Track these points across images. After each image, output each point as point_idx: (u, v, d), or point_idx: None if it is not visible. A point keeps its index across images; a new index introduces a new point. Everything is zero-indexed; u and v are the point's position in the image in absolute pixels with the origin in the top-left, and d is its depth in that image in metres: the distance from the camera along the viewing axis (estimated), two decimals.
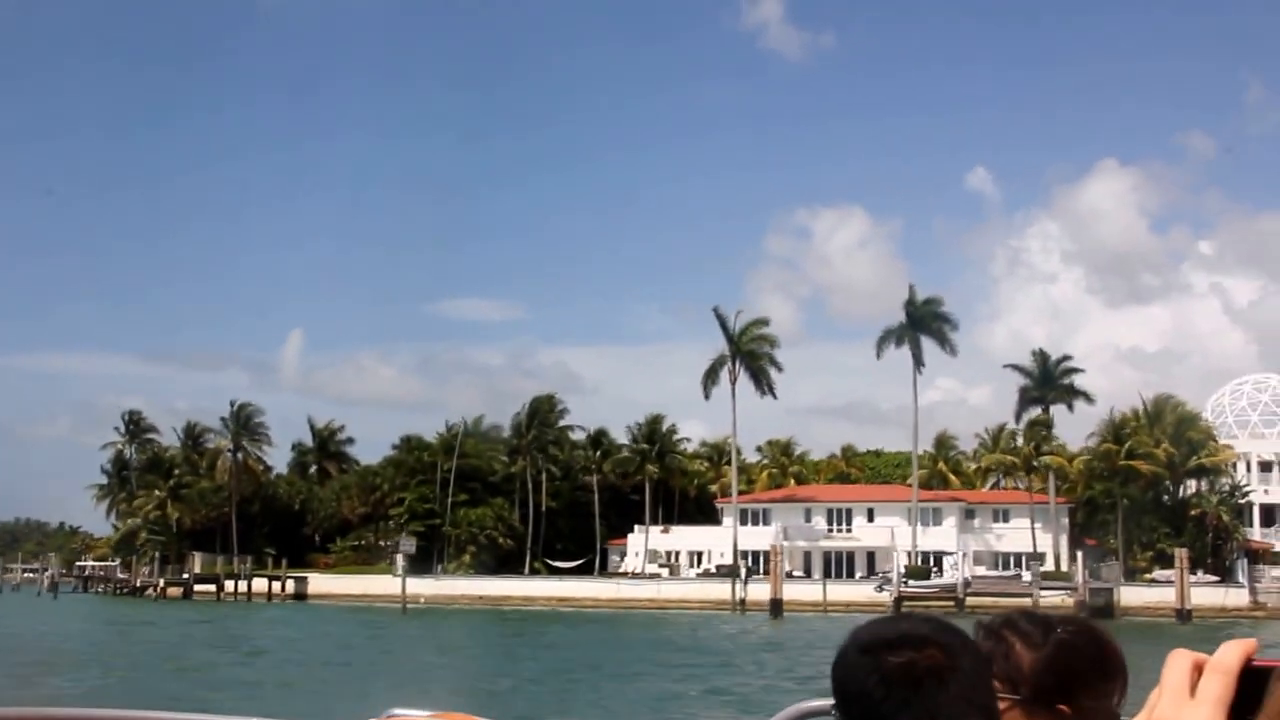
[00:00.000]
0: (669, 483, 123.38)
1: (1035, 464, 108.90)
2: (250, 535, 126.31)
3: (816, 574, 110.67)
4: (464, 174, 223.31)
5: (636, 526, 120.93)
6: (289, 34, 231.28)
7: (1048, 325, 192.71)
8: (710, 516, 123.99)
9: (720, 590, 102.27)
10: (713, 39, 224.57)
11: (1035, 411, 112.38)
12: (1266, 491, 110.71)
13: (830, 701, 2.25)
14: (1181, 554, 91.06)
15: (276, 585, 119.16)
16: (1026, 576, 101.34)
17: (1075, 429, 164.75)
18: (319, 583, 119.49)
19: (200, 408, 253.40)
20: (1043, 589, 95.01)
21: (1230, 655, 1.85)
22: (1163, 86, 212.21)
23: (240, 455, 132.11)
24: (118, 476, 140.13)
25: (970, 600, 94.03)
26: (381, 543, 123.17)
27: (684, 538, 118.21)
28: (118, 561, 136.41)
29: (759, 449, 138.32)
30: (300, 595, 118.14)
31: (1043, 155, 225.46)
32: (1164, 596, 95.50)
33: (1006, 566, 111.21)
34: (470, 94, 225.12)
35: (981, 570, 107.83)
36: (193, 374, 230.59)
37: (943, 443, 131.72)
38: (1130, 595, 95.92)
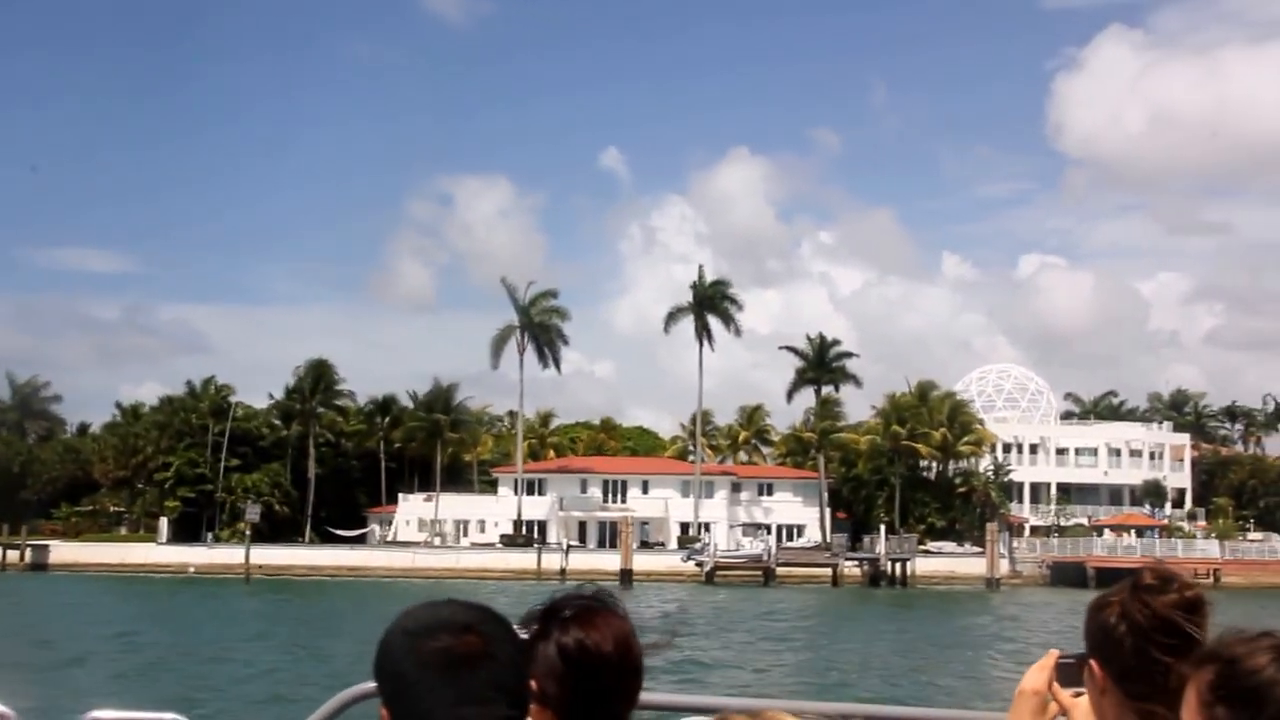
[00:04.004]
0: (425, 453, 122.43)
1: (826, 441, 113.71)
2: None
3: (592, 544, 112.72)
4: (96, 128, 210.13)
5: (401, 495, 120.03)
6: None
7: (674, 304, 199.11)
8: (466, 486, 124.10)
9: (522, 560, 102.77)
10: None
11: (807, 392, 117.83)
12: (1013, 471, 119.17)
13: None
14: (992, 528, 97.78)
15: (14, 555, 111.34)
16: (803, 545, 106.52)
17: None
18: (63, 551, 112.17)
19: None
20: (847, 559, 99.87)
21: (1031, 678, 2.60)
22: (796, 82, 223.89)
23: None
24: None
25: (781, 570, 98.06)
26: (114, 510, 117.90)
27: (454, 507, 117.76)
28: None
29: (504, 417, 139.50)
30: (39, 565, 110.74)
31: (679, 140, 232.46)
32: (940, 567, 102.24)
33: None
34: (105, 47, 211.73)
35: (747, 542, 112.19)
36: None
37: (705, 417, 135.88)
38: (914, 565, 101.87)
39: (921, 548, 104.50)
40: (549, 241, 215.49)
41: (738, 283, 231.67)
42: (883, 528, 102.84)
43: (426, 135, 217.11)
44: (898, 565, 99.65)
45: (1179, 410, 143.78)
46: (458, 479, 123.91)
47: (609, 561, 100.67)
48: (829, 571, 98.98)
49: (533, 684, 2.50)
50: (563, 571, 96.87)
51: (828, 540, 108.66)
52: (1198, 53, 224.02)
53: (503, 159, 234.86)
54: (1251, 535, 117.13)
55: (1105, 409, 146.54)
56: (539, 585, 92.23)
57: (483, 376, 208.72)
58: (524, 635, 2.60)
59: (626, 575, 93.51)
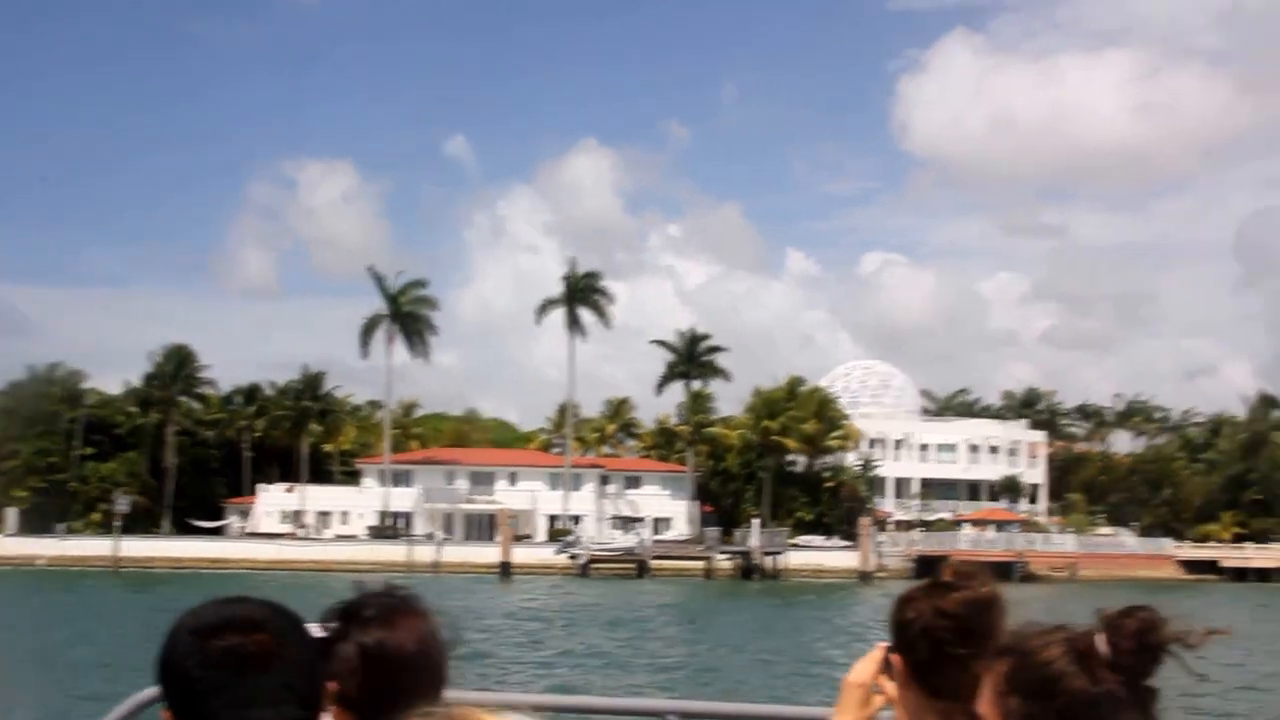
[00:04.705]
0: (286, 444, 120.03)
1: (699, 435, 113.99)
2: None
3: (458, 536, 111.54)
4: None
5: (260, 486, 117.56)
6: None
7: (521, 294, 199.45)
8: (326, 478, 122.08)
9: (392, 552, 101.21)
10: None
11: (675, 386, 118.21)
12: (879, 466, 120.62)
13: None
14: (865, 522, 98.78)
15: None
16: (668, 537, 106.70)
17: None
18: None
19: None
20: (720, 552, 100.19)
21: (857, 671, 2.77)
22: (646, 74, 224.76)
23: None
24: None
25: (654, 563, 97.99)
26: None
27: (316, 498, 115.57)
28: None
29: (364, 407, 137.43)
30: None
31: (527, 129, 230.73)
32: (810, 560, 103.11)
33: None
34: None
35: (616, 534, 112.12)
36: None
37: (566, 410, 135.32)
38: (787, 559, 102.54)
39: (791, 541, 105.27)
40: (394, 229, 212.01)
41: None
42: (755, 522, 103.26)
43: (269, 117, 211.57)
44: (769, 558, 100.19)
45: (1031, 408, 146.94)
46: (317, 470, 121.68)
47: (483, 554, 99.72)
48: (702, 564, 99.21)
49: (331, 685, 2.47)
50: (436, 564, 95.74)
51: (697, 534, 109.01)
52: (1035, 59, 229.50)
53: (347, 144, 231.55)
54: (1102, 530, 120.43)
55: (960, 406, 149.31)
56: (409, 578, 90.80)
57: (325, 364, 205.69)
58: (323, 634, 2.57)
59: (505, 568, 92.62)
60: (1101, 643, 2.10)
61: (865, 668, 2.82)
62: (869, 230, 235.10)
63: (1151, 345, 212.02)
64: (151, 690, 3.31)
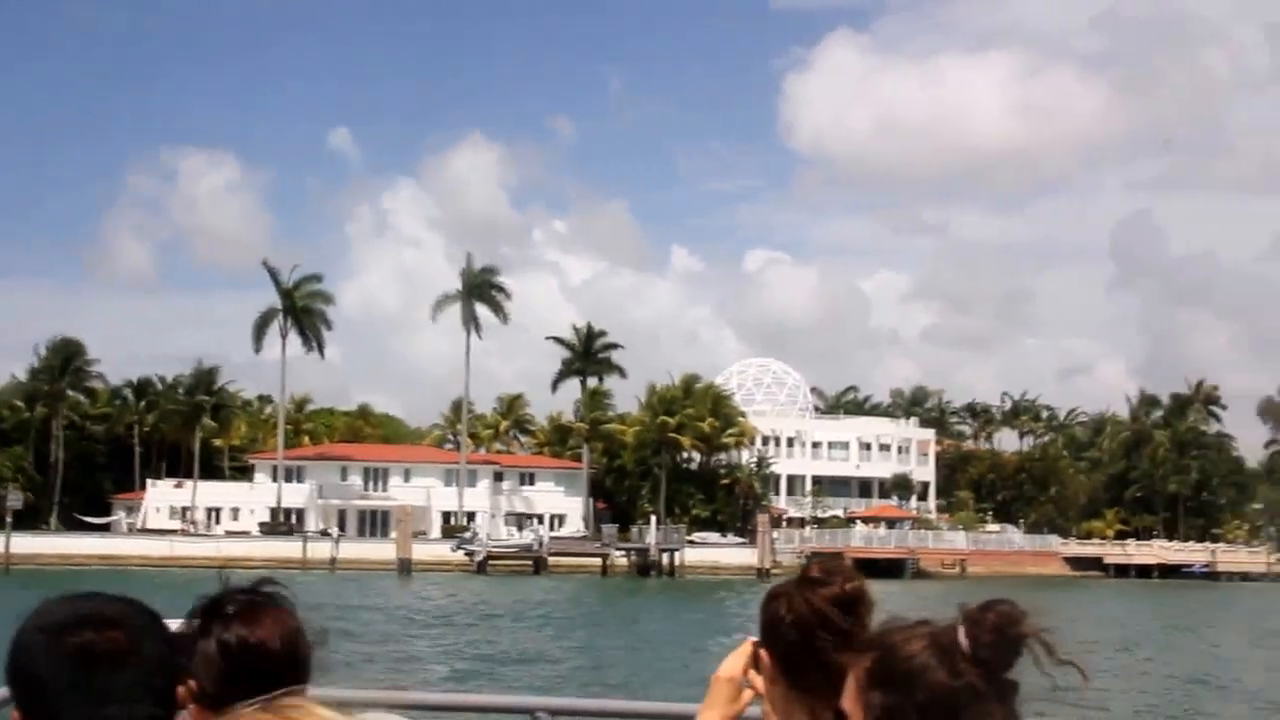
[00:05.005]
0: (175, 439, 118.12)
1: (597, 432, 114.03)
2: None
3: (352, 532, 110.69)
4: None
5: (150, 481, 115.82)
6: None
7: (405, 289, 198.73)
8: (215, 473, 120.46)
9: (286, 549, 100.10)
10: None
11: (572, 382, 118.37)
12: (774, 463, 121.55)
13: None
14: (763, 519, 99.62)
15: None
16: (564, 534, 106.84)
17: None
18: None
19: None
20: (617, 549, 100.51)
21: (727, 665, 2.86)
22: (532, 69, 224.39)
23: None
24: None
25: (552, 560, 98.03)
26: None
27: (206, 494, 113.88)
28: None
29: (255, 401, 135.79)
30: None
31: (412, 122, 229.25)
32: (706, 557, 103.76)
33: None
34: None
35: (511, 531, 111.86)
36: None
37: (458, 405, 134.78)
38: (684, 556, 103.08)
39: (688, 538, 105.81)
40: (276, 221, 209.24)
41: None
42: (653, 518, 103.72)
43: (148, 105, 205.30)
44: (666, 555, 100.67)
45: (919, 406, 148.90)
46: (207, 465, 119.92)
47: (380, 551, 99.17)
48: (599, 561, 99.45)
49: (192, 683, 2.44)
50: (333, 561, 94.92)
51: (593, 530, 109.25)
52: (918, 60, 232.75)
53: (229, 135, 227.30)
54: (990, 526, 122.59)
55: (850, 404, 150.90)
56: (303, 575, 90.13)
57: (207, 358, 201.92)
58: (185, 631, 2.53)
59: (405, 565, 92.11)
60: (962, 637, 2.12)
61: (734, 663, 2.84)
62: (754, 228, 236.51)
63: (1030, 344, 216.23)
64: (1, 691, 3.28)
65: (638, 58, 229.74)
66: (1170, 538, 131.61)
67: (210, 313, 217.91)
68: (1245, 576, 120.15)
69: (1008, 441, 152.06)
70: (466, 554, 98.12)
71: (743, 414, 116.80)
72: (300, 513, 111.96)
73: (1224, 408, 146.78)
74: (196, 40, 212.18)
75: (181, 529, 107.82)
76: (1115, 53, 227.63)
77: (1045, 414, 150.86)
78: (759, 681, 2.79)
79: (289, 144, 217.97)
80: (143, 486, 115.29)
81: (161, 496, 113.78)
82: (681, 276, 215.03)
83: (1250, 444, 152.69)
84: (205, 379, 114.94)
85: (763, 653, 2.77)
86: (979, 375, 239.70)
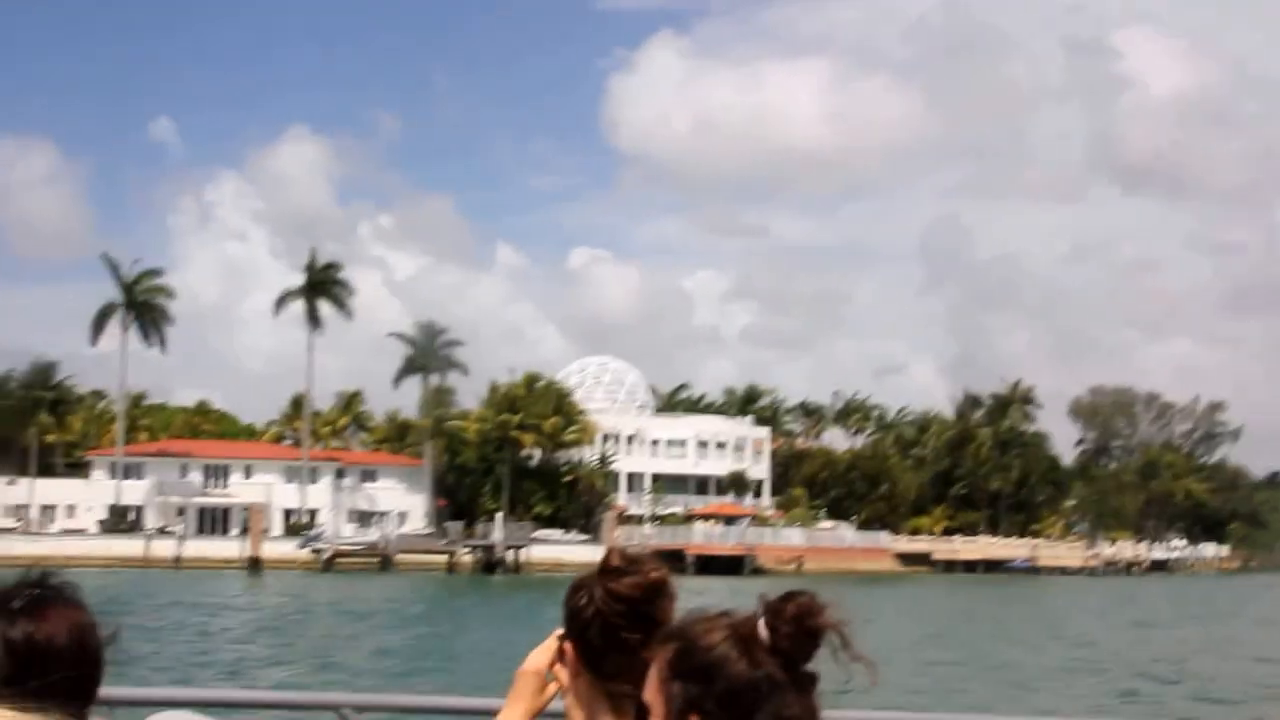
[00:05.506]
0: (7, 435, 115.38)
1: (440, 430, 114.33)
2: None
3: (192, 530, 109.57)
4: None
5: None
6: None
7: (229, 283, 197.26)
8: (48, 470, 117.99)
9: (127, 547, 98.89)
10: None
11: (413, 379, 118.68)
12: (615, 461, 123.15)
13: None
14: (611, 516, 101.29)
15: None
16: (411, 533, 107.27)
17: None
18: None
19: None
20: (463, 546, 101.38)
21: (533, 658, 2.86)
22: (356, 62, 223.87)
23: None
24: None
25: (398, 558, 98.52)
26: None
27: (40, 491, 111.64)
28: None
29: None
30: None
31: (236, 113, 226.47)
32: (550, 554, 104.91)
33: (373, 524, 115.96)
34: None
35: (352, 528, 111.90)
36: None
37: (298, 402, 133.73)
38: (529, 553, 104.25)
39: (532, 536, 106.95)
40: (96, 212, 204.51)
41: (295, 264, 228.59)
42: (499, 515, 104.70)
43: None
44: (511, 553, 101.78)
45: (752, 404, 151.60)
46: (39, 462, 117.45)
47: (225, 549, 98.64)
48: (444, 558, 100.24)
49: None
50: (178, 559, 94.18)
51: (439, 527, 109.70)
52: (738, 64, 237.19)
53: (47, 122, 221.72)
54: (823, 524, 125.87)
55: (684, 402, 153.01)
56: (145, 573, 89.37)
57: (20, 352, 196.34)
58: None
59: (255, 563, 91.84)
60: (762, 628, 2.19)
61: (540, 656, 2.85)
62: (577, 226, 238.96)
63: (844, 345, 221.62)
64: None
65: (459, 54, 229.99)
66: (993, 533, 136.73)
67: (25, 306, 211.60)
68: (1064, 570, 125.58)
69: (836, 440, 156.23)
70: (313, 552, 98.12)
71: (583, 412, 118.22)
72: (139, 510, 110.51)
73: (1040, 407, 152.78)
74: (13, 26, 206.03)
75: (15, 527, 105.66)
76: (924, 62, 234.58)
77: (875, 413, 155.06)
78: (564, 674, 2.82)
79: (108, 132, 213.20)
80: None
81: None
82: (506, 273, 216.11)
83: (1058, 442, 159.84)
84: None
85: (566, 645, 2.79)
86: (795, 374, 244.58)
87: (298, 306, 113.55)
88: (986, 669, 38.17)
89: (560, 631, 2.81)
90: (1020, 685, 34.36)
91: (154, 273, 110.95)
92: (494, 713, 2.93)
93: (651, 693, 2.26)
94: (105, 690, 2.53)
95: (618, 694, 2.69)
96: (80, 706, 2.41)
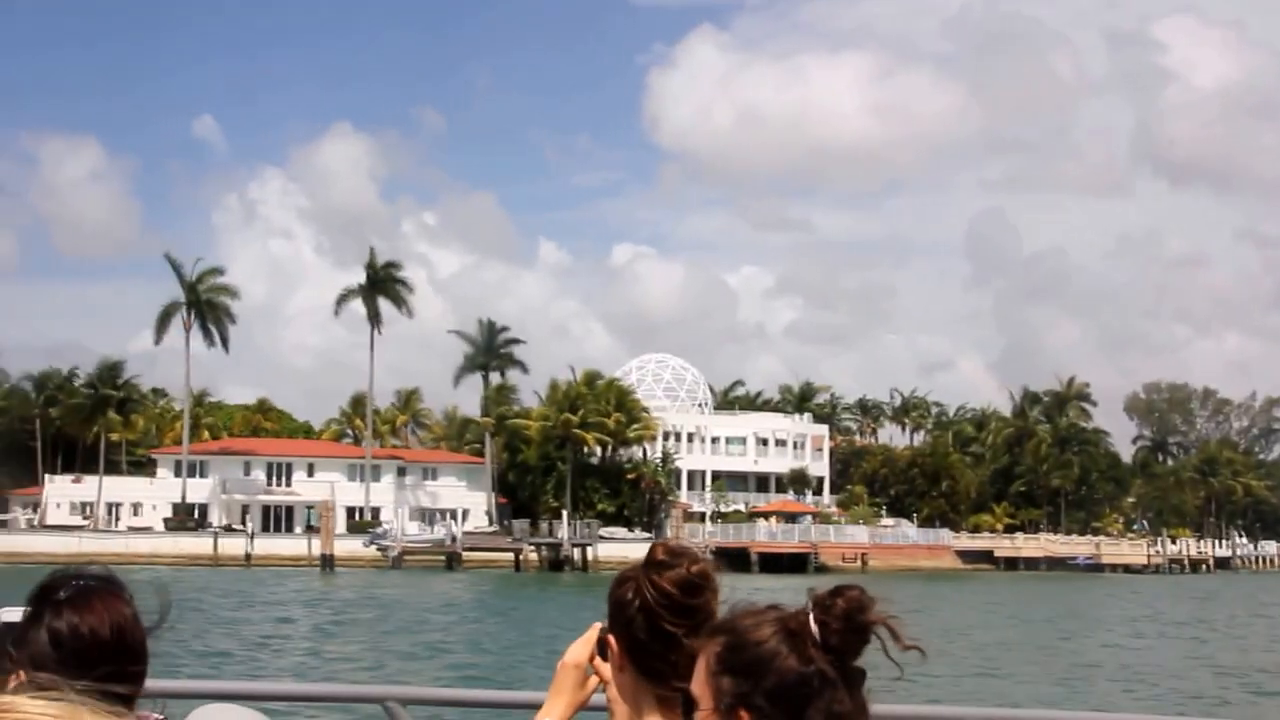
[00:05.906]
0: (73, 433, 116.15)
1: (502, 428, 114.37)
2: None
3: (256, 527, 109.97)
4: None
5: (48, 476, 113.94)
6: None
7: (272, 280, 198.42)
8: (113, 468, 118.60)
9: (195, 544, 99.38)
10: None
11: (474, 377, 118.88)
12: (678, 458, 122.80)
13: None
14: (677, 514, 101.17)
15: None
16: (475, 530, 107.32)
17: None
18: None
19: None
20: (530, 543, 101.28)
21: (573, 652, 2.86)
22: (399, 59, 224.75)
23: None
24: None
25: (465, 555, 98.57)
26: None
27: (107, 489, 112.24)
28: None
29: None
30: None
31: (279, 111, 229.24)
32: (617, 552, 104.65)
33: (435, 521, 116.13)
34: None
35: (416, 526, 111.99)
36: None
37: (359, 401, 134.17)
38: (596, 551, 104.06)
39: (601, 533, 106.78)
40: (143, 209, 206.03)
41: (340, 261, 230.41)
42: (564, 513, 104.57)
43: (9, 89, 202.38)
44: (578, 550, 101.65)
45: (808, 401, 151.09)
46: (105, 460, 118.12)
47: (292, 546, 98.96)
48: (511, 556, 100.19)
49: (22, 675, 2.35)
50: (248, 557, 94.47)
51: (501, 525, 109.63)
52: (778, 58, 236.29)
53: (92, 120, 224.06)
54: (885, 521, 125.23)
55: (741, 400, 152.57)
56: (217, 571, 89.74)
57: (75, 348, 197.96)
58: (16, 619, 2.54)
59: (328, 560, 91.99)
60: (812, 623, 2.18)
61: (580, 649, 2.87)
62: (619, 222, 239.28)
63: (891, 340, 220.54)
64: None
65: (503, 51, 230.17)
66: (1054, 531, 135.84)
67: (69, 302, 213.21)
68: (1127, 568, 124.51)
69: (890, 437, 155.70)
70: (380, 549, 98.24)
71: (646, 409, 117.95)
72: (203, 508, 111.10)
73: (1095, 404, 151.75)
74: (58, 26, 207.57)
75: (91, 525, 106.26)
76: (965, 55, 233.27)
77: (935, 410, 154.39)
78: (605, 668, 2.83)
79: (153, 131, 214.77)
80: (39, 482, 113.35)
81: (60, 492, 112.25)
82: (549, 270, 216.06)
83: (1115, 439, 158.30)
84: (109, 372, 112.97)
85: (610, 638, 2.79)
86: (842, 370, 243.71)
87: (355, 305, 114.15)
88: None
89: (599, 625, 2.84)
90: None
91: (216, 271, 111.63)
92: (537, 706, 2.95)
93: (699, 685, 2.24)
94: (156, 683, 2.62)
95: (662, 689, 2.70)
96: (125, 698, 2.42)
